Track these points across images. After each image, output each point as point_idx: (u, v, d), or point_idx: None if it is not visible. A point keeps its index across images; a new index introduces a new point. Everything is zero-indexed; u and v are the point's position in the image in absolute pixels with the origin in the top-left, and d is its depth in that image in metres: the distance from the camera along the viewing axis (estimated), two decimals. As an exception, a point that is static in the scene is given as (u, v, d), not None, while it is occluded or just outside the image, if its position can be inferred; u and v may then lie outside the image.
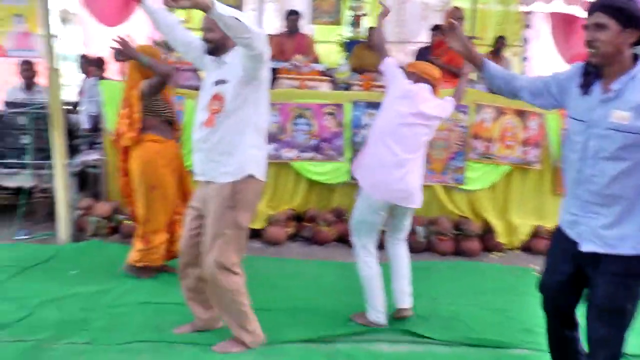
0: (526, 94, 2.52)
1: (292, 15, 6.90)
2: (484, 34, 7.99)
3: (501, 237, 5.21)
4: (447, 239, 5.05)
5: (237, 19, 2.51)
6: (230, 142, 2.93)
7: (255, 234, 4.91)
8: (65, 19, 10.21)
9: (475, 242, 5.10)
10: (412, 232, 5.04)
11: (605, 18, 2.11)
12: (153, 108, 3.91)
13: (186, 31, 3.21)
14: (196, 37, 3.18)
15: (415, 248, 4.72)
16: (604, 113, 2.17)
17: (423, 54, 6.22)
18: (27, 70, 6.01)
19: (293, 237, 5.20)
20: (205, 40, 2.97)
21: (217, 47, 2.97)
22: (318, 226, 5.13)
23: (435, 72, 3.61)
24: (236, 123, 2.92)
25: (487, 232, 5.25)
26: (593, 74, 2.25)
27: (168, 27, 3.17)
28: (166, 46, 5.82)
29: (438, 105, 3.53)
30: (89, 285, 3.87)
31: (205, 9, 2.46)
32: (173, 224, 4.08)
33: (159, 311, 3.53)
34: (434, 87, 3.55)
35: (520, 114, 5.27)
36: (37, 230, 5.05)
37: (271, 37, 6.78)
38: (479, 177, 5.33)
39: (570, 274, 2.39)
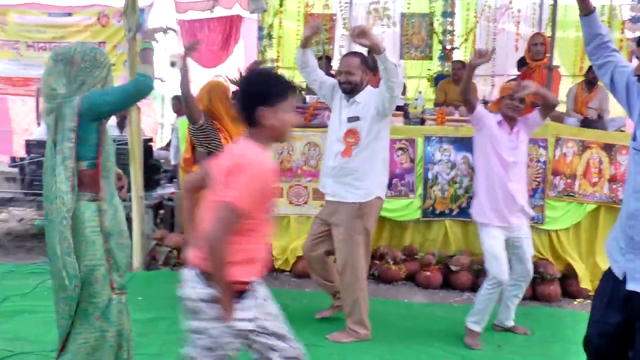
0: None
1: (371, 54, 6.92)
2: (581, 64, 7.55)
3: (584, 282, 4.75)
4: (523, 282, 4.71)
5: (395, 65, 3.24)
6: (363, 171, 3.50)
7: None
8: (174, 62, 10.98)
9: (555, 286, 4.71)
10: (484, 273, 4.78)
11: None
12: (203, 142, 3.92)
13: (322, 72, 3.82)
14: (329, 78, 3.83)
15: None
16: None
17: (508, 87, 5.96)
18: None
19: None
20: (345, 82, 3.53)
21: (353, 88, 3.53)
22: (387, 264, 5.01)
23: None
24: (369, 154, 3.50)
25: (568, 276, 4.84)
26: None
27: (311, 67, 3.73)
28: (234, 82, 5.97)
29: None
30: (149, 312, 4.04)
31: (378, 51, 3.20)
32: None
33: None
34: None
35: (608, 148, 4.86)
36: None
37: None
38: (560, 216, 4.93)
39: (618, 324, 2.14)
